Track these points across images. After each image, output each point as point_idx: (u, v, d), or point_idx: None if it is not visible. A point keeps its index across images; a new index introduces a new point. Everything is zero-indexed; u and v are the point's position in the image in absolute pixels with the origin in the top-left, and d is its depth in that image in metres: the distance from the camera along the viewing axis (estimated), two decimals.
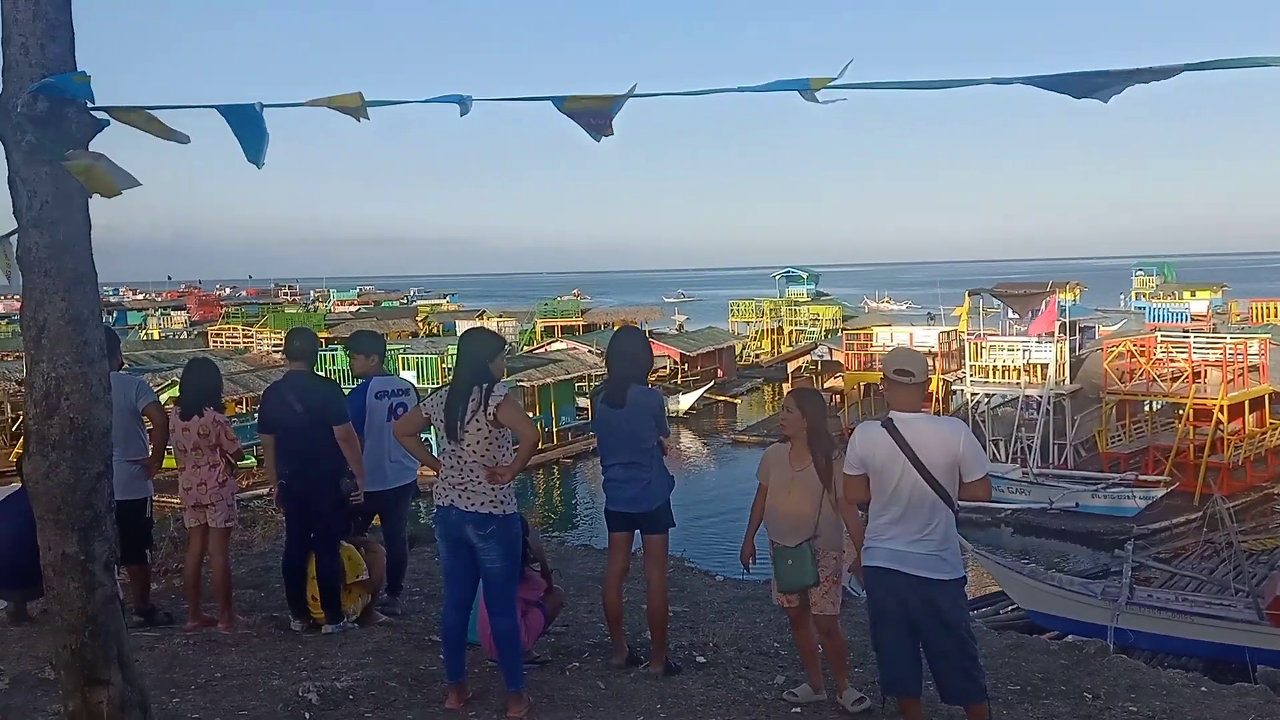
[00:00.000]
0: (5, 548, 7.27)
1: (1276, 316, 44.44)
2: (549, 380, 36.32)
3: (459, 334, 5.35)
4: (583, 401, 39.34)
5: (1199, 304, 49.11)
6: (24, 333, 3.47)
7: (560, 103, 3.10)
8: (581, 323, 63.07)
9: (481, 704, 5.01)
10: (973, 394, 30.30)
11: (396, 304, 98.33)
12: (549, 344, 49.65)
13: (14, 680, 5.36)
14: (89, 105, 3.31)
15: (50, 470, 3.40)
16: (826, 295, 79.33)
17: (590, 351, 44.08)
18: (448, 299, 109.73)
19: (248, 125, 3.27)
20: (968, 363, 30.48)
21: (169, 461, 7.20)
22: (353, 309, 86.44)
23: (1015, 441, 28.54)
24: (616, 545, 5.76)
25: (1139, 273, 73.79)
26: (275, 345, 50.57)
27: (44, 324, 3.37)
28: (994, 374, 29.85)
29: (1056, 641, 7.35)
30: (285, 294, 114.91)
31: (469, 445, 4.79)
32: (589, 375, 40.70)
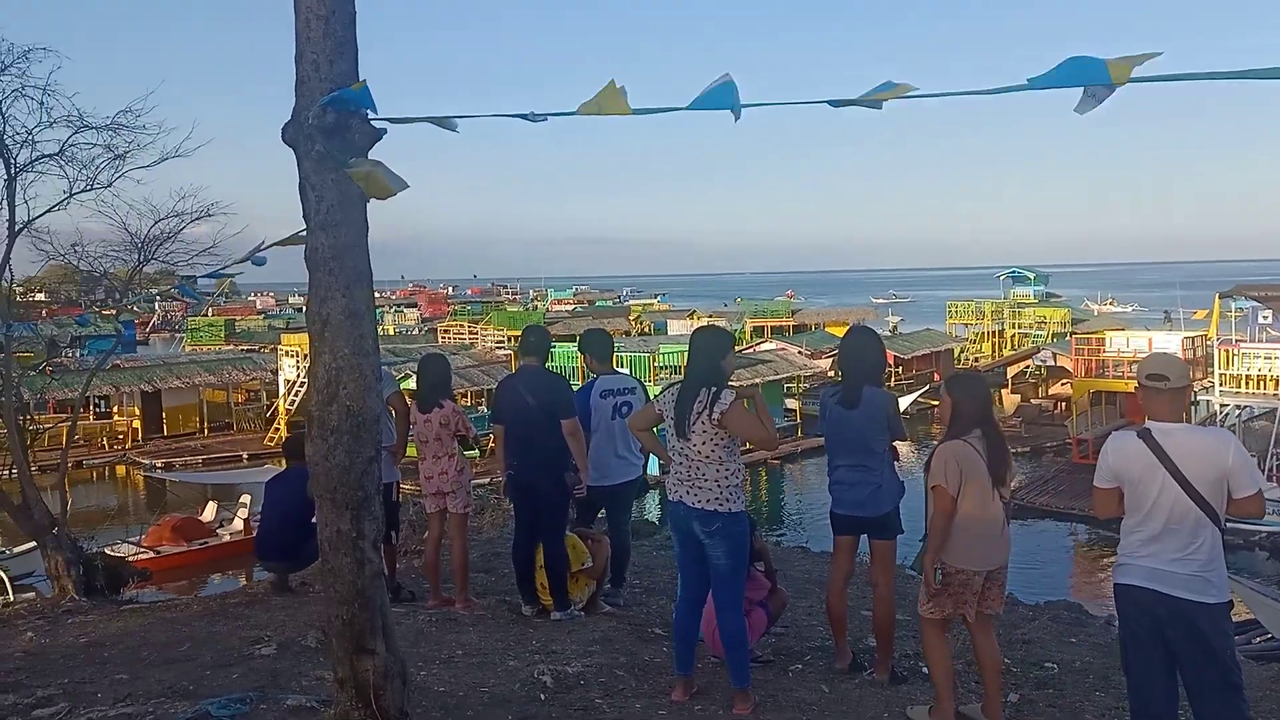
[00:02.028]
0: (272, 525, 8.02)
1: None
2: (758, 380, 36.23)
3: (690, 332, 5.39)
4: (791, 403, 39.04)
5: None
6: (309, 326, 3.80)
7: (836, 104, 3.11)
8: (792, 323, 62.54)
9: (706, 698, 5.06)
10: (1222, 405, 27.85)
11: (610, 303, 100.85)
12: (758, 344, 49.53)
13: (280, 646, 5.87)
14: (370, 115, 3.58)
15: (329, 453, 3.71)
16: (1057, 297, 75.00)
17: (800, 352, 43.68)
18: (659, 299, 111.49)
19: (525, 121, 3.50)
20: (1217, 371, 28.03)
21: (411, 450, 7.70)
22: (569, 308, 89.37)
23: (1271, 459, 26.02)
24: (841, 549, 5.68)
25: None
26: (498, 341, 53.05)
27: (326, 318, 3.68)
28: (1248, 384, 27.33)
29: None
30: (506, 293, 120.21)
31: (695, 444, 4.84)
32: (798, 376, 40.34)
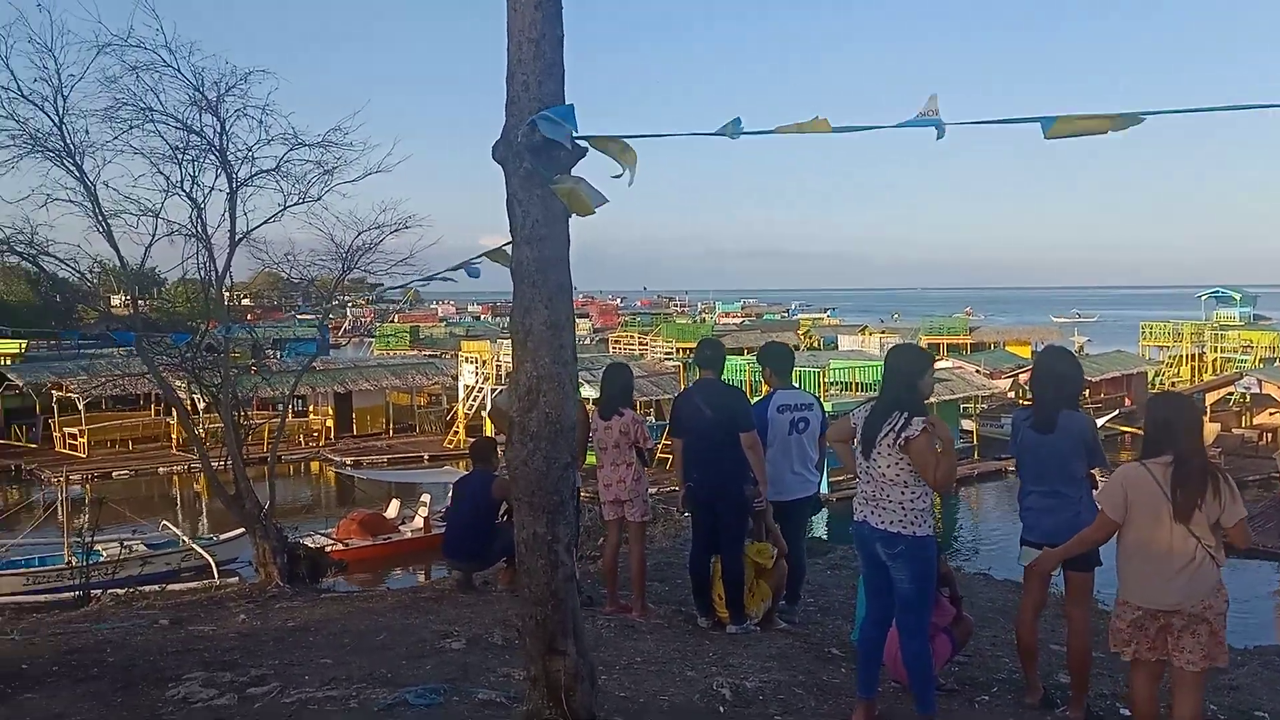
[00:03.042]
0: (459, 525, 8.37)
1: None
2: (932, 400, 35.07)
3: (888, 351, 5.28)
4: (967, 424, 37.63)
5: None
6: (512, 336, 3.97)
7: (1049, 125, 3.03)
8: (969, 341, 60.39)
9: None
10: None
11: (778, 317, 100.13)
12: (934, 362, 48.02)
13: (469, 641, 6.12)
14: (574, 135, 3.72)
15: (528, 458, 3.86)
16: (1266, 319, 69.43)
17: (977, 371, 42.08)
18: (828, 313, 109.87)
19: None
20: None
21: (590, 459, 7.87)
22: (737, 321, 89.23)
23: None
24: (1033, 578, 5.46)
25: None
26: (667, 353, 53.50)
27: (530, 329, 3.84)
28: None
29: None
30: (675, 305, 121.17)
31: (880, 465, 4.76)
32: (975, 396, 38.88)
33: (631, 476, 7.13)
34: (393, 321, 68.78)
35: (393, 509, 24.15)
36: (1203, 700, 4.46)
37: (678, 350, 53.71)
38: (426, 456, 35.17)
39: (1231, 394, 43.72)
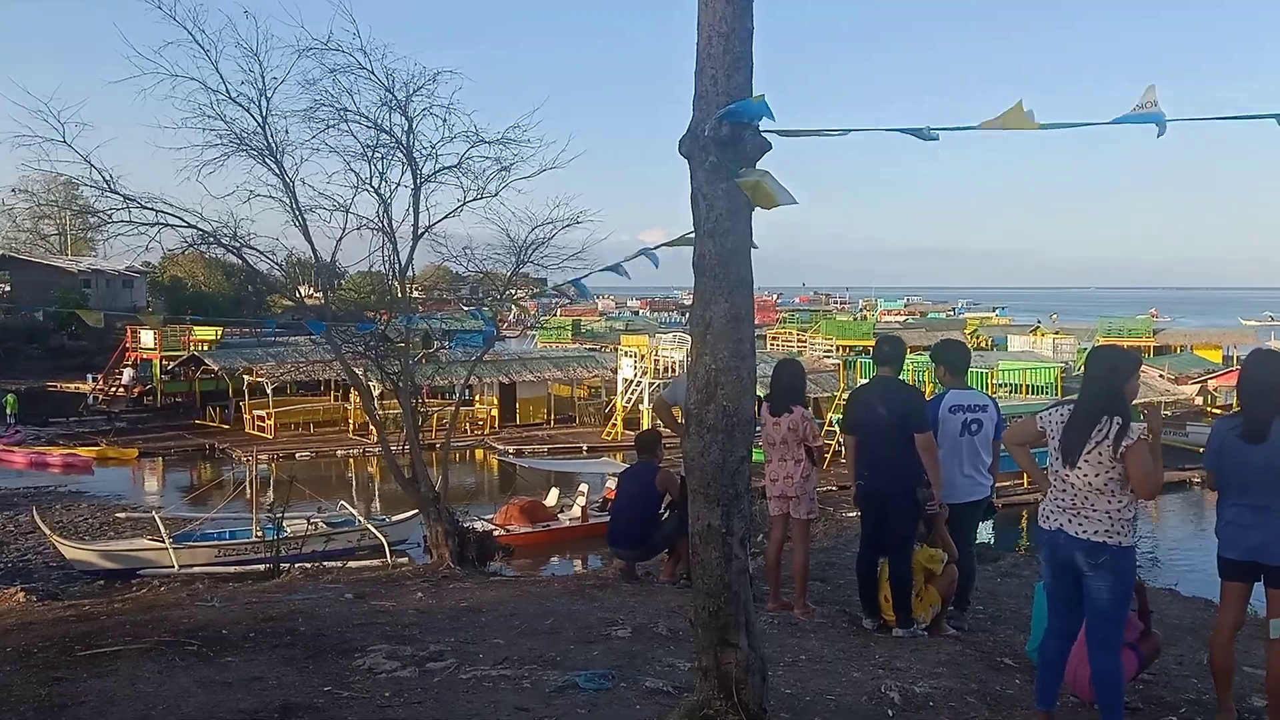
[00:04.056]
0: (624, 515, 8.51)
1: None
2: (1153, 407, 33.23)
3: (1088, 352, 5.03)
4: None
5: None
6: (691, 329, 4.02)
7: None
8: (1153, 344, 57.01)
9: None
10: None
11: (943, 315, 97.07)
12: None
13: (634, 630, 6.22)
14: (763, 127, 3.73)
15: (705, 450, 3.89)
16: None
17: (1161, 376, 39.68)
18: (997, 312, 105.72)
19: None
20: None
21: (756, 454, 7.85)
22: (899, 319, 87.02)
23: None
24: (1231, 596, 5.11)
25: None
26: (826, 350, 52.73)
27: (709, 322, 3.87)
28: None
29: None
30: (834, 302, 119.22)
31: (1085, 473, 4.54)
32: (1159, 403, 36.67)
33: (800, 473, 7.09)
34: (556, 315, 70.39)
35: (552, 497, 24.77)
36: None
37: (837, 348, 52.84)
38: (585, 447, 35.89)
39: None
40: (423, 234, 10.35)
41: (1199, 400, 40.19)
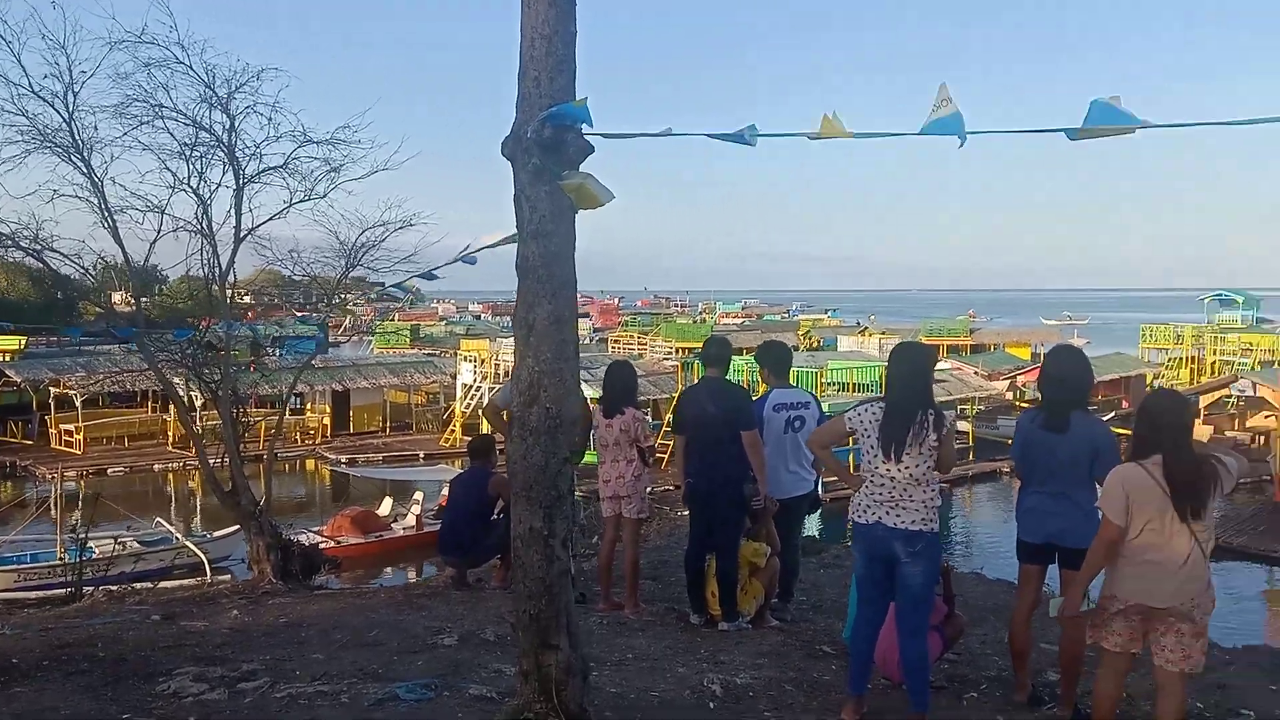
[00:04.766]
0: (454, 521, 8.39)
1: None
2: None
3: (891, 350, 5.27)
4: (963, 425, 37.67)
5: None
6: (515, 331, 3.99)
7: (1074, 134, 3.07)
8: (969, 342, 60.47)
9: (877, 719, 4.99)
10: None
11: (779, 318, 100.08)
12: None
13: (461, 638, 6.14)
14: (584, 130, 3.73)
15: (527, 453, 3.88)
16: (1270, 322, 69.49)
17: (976, 373, 42.11)
18: (829, 314, 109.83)
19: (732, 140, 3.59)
20: None
21: (589, 456, 7.88)
22: (737, 321, 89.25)
23: None
24: (1028, 578, 5.45)
25: None
26: (666, 353, 53.53)
27: (532, 324, 3.86)
28: None
29: None
30: (675, 305, 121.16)
31: (908, 466, 4.77)
32: (973, 398, 38.91)
33: (631, 474, 7.14)
34: (393, 320, 68.71)
35: (385, 506, 24.18)
36: (1186, 700, 4.47)
37: (677, 350, 53.73)
38: (422, 455, 35.19)
39: (1228, 397, 43.81)
40: (245, 237, 9.91)
41: (1009, 395, 42.82)
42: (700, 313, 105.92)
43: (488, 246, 5.43)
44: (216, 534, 20.77)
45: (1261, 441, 36.02)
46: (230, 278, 10.16)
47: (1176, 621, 4.29)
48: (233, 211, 9.72)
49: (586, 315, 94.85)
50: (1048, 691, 5.54)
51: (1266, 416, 36.57)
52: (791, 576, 7.38)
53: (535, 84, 3.78)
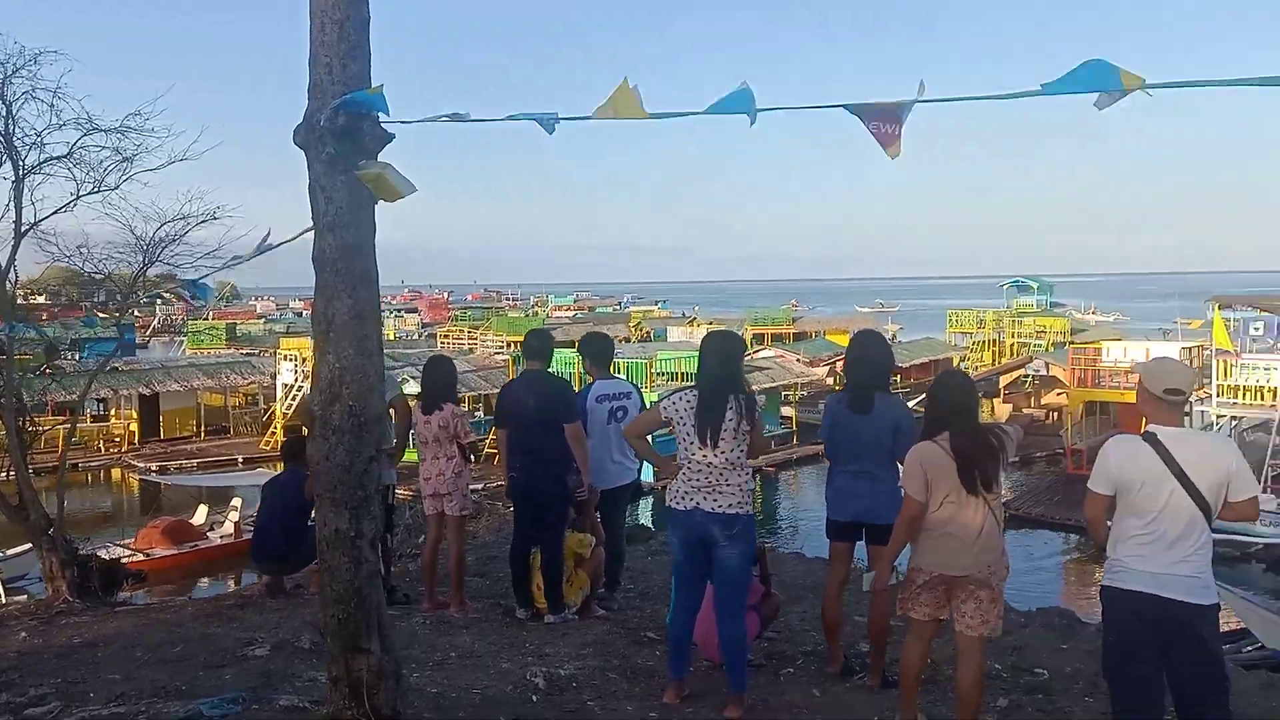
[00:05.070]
0: (268, 527, 8.05)
1: None
2: (754, 388, 36.16)
3: (702, 338, 5.38)
4: (787, 410, 39.07)
5: None
6: (314, 326, 3.84)
7: (852, 108, 3.17)
8: (792, 330, 62.68)
9: (698, 701, 5.09)
10: (1219, 416, 27.80)
11: (610, 309, 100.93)
12: (757, 351, 49.62)
13: (273, 647, 5.89)
14: (382, 118, 3.62)
15: (330, 452, 3.74)
16: (1061, 306, 75.13)
17: (798, 360, 43.71)
18: (659, 305, 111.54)
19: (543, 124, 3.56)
20: (1214, 382, 27.98)
21: (410, 454, 7.72)
22: (570, 314, 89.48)
23: (1266, 470, 25.97)
24: (838, 555, 5.69)
25: None
26: (498, 347, 53.14)
27: (332, 319, 3.72)
28: (1244, 395, 27.29)
29: None
30: (506, 299, 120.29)
31: (724, 451, 4.86)
32: (796, 384, 40.38)
33: (452, 470, 7.03)
34: (207, 318, 65.29)
35: (200, 515, 23.03)
36: (984, 663, 4.76)
37: (509, 344, 53.39)
38: (241, 459, 33.71)
39: (1025, 377, 47.11)
40: (27, 232, 9.15)
41: (830, 380, 44.64)
42: (532, 306, 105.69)
43: (286, 241, 5.21)
44: (10, 552, 19.24)
45: (1055, 417, 38.92)
46: (11, 276, 9.39)
47: (976, 589, 4.53)
48: (12, 205, 8.98)
49: (415, 310, 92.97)
50: (859, 662, 5.79)
51: (1058, 394, 39.54)
52: (617, 565, 7.45)
53: (327, 70, 3.65)
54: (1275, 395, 26.49)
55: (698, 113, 3.49)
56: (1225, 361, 27.92)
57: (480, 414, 30.06)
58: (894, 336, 64.67)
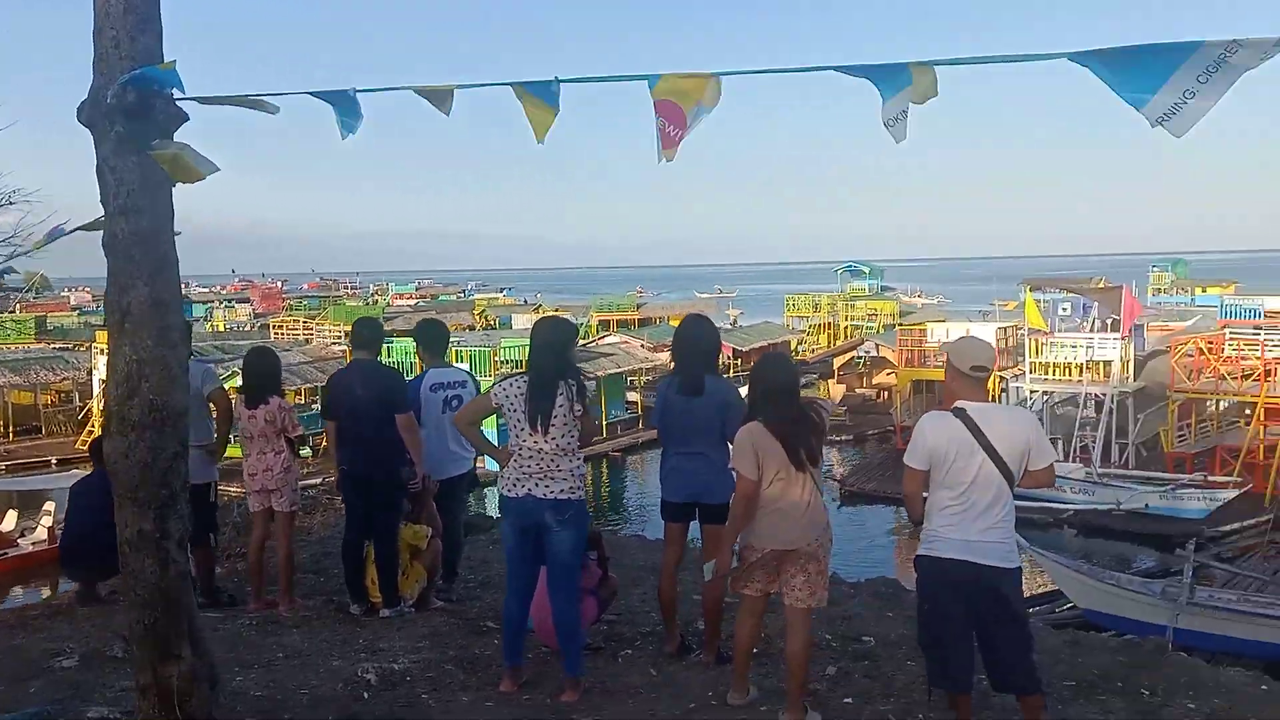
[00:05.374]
0: (78, 531, 7.56)
1: None
2: (599, 374, 36.42)
3: (532, 325, 5.37)
4: (632, 395, 39.46)
5: (1274, 300, 47.41)
6: (107, 316, 3.61)
7: (654, 83, 3.19)
8: (637, 317, 63.26)
9: (535, 688, 5.09)
10: (1031, 391, 29.72)
11: (454, 297, 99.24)
12: (602, 338, 49.84)
13: (83, 658, 5.56)
14: (177, 95, 3.43)
15: (129, 450, 3.53)
16: (892, 290, 78.54)
17: (642, 345, 44.16)
18: (504, 292, 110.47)
19: (345, 107, 3.42)
20: (1027, 359, 29.88)
21: (233, 450, 7.39)
22: (411, 302, 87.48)
23: (1075, 441, 27.96)
24: (673, 536, 5.77)
25: (1154, 269, 75.62)
26: (335, 338, 51.47)
27: (127, 308, 3.50)
28: (1054, 371, 29.25)
29: (1114, 639, 7.24)
30: (345, 288, 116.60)
31: (555, 437, 4.86)
32: (640, 369, 40.80)
33: (280, 465, 6.79)
34: (13, 311, 60.65)
35: (9, 520, 21.45)
36: (811, 633, 4.93)
37: (346, 334, 51.81)
38: (54, 460, 31.55)
39: (858, 358, 49.12)
40: None
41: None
42: (372, 294, 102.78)
43: (81, 228, 4.89)
44: None
45: (885, 396, 40.72)
46: None
47: (806, 562, 4.68)
48: None
49: (247, 300, 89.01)
50: (696, 640, 5.89)
51: (888, 374, 41.40)
52: (455, 555, 7.36)
53: (114, 44, 3.43)
54: (1082, 371, 28.49)
55: (505, 83, 3.46)
56: (1037, 340, 29.86)
57: (317, 407, 29.09)
58: (734, 321, 66.24)
